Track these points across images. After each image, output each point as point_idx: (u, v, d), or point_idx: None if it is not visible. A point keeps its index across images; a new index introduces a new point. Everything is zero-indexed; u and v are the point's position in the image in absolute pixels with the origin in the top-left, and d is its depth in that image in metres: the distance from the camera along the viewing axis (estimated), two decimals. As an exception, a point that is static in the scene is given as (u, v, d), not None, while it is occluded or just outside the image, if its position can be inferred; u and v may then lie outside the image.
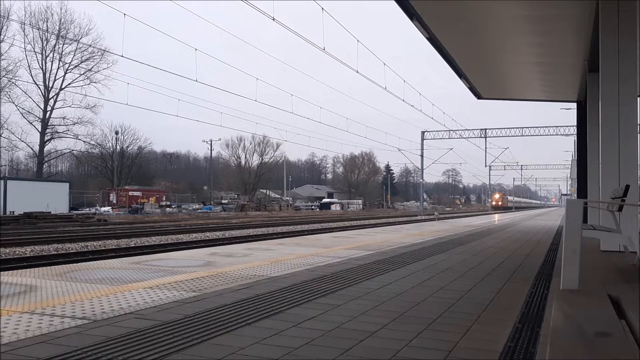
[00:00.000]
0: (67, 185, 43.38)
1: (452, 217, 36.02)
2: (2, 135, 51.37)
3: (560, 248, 7.84)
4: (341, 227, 27.12)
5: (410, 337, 2.79)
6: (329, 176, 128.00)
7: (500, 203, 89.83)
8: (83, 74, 55.67)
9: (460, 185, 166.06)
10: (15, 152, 59.30)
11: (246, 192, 77.30)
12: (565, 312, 3.23)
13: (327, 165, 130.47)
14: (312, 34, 18.04)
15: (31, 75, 53.75)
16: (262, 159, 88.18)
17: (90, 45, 53.69)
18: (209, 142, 68.11)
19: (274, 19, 15.47)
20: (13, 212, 33.94)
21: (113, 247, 15.06)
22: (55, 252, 13.46)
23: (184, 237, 19.25)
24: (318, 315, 3.27)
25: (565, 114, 51.17)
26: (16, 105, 52.30)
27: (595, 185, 9.89)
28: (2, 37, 49.71)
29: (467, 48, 11.99)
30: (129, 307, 3.39)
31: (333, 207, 77.27)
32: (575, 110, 16.28)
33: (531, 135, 52.28)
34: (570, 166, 45.31)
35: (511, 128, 53.08)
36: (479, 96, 16.78)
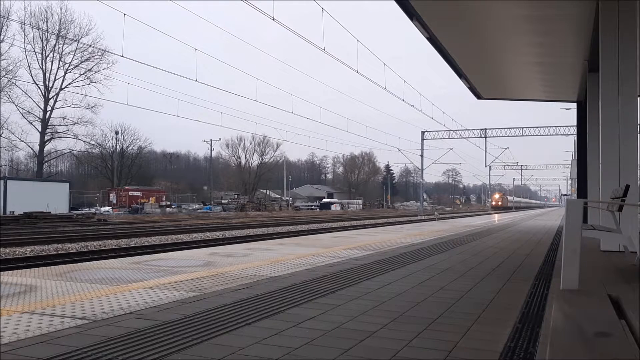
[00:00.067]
0: (67, 185, 43.38)
1: (452, 217, 36.02)
2: (2, 135, 51.48)
3: (560, 248, 7.84)
4: (341, 227, 27.12)
5: (410, 337, 2.79)
6: (329, 176, 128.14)
7: (500, 203, 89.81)
8: (83, 74, 55.80)
9: (460, 185, 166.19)
10: (15, 152, 59.42)
11: (246, 192, 77.31)
12: (565, 312, 3.23)
13: (327, 165, 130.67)
14: (312, 34, 18.06)
15: (31, 75, 53.88)
16: (262, 159, 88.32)
17: (90, 45, 53.80)
18: (209, 142, 68.22)
19: (274, 19, 15.49)
20: (13, 212, 33.95)
21: (113, 247, 15.06)
22: (55, 252, 13.46)
23: (184, 237, 19.25)
24: (318, 315, 3.27)
25: (565, 114, 51.23)
26: (16, 105, 52.43)
27: (595, 185, 9.89)
28: (2, 37, 49.81)
29: (467, 48, 11.99)
30: (129, 307, 3.39)
31: (333, 207, 77.26)
32: (575, 110, 16.28)
33: (531, 135, 52.31)
34: (570, 166, 45.32)
35: (511, 128, 53.14)
36: (479, 96, 16.78)
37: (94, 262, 6.76)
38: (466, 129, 54.25)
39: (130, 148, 70.01)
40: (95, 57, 55.26)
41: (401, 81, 25.66)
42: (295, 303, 3.61)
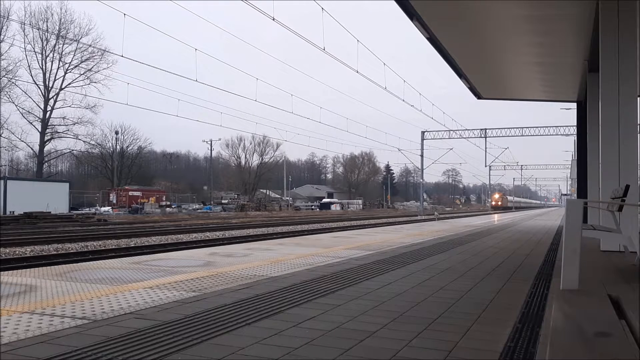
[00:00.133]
0: (67, 185, 43.38)
1: (452, 217, 36.02)
2: (2, 135, 51.47)
3: (560, 248, 7.84)
4: (341, 227, 27.12)
5: (410, 337, 2.79)
6: (329, 176, 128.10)
7: (500, 203, 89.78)
8: (83, 74, 55.78)
9: (460, 185, 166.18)
10: (15, 152, 59.42)
11: (246, 192, 77.31)
12: (565, 312, 3.23)
13: (327, 165, 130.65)
14: (312, 34, 18.07)
15: (31, 75, 53.87)
16: (262, 159, 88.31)
17: (90, 45, 53.79)
18: (209, 142, 68.20)
19: (274, 19, 15.49)
20: (13, 212, 33.95)
21: (113, 247, 15.06)
22: (55, 252, 13.46)
23: (184, 237, 19.25)
24: (318, 315, 3.27)
25: (565, 114, 51.21)
26: (16, 105, 52.42)
27: (595, 185, 9.89)
28: (2, 37, 49.79)
29: (467, 48, 11.99)
30: (129, 307, 3.40)
31: (333, 207, 77.26)
32: (575, 110, 16.28)
33: (531, 135, 52.33)
34: (570, 166, 45.31)
35: (511, 128, 53.16)
36: (479, 96, 16.78)
37: (94, 262, 6.76)
38: (466, 129, 54.35)
39: (130, 148, 70.11)
40: (95, 57, 55.35)
41: (401, 81, 25.70)
42: (295, 303, 3.61)
